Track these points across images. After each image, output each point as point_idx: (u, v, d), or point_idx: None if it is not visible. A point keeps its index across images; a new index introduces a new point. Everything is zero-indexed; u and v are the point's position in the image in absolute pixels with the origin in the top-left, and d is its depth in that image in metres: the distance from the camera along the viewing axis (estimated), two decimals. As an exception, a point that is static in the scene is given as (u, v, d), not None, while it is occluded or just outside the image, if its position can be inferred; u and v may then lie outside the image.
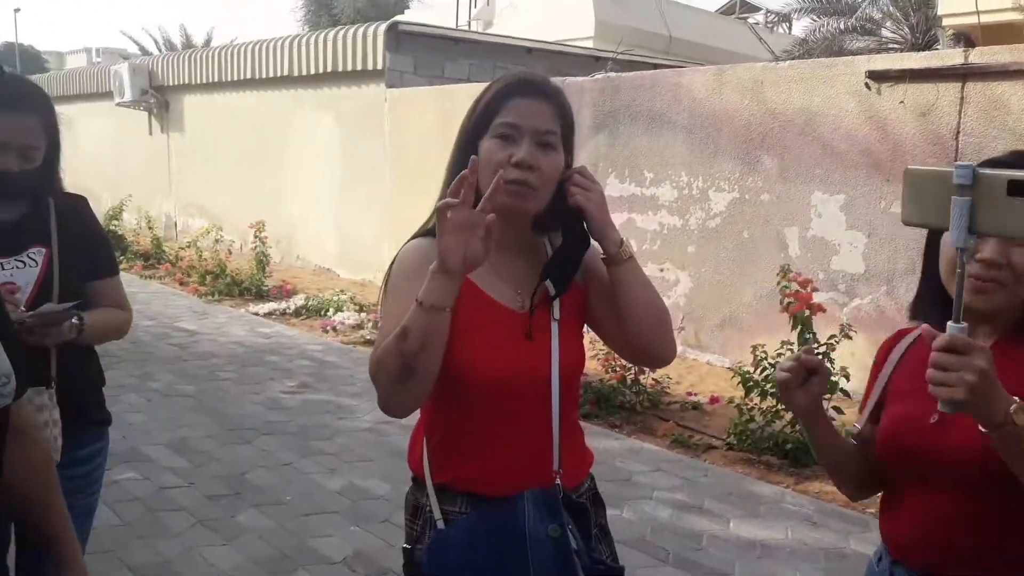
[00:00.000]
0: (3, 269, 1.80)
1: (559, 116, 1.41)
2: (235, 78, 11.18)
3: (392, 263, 1.46)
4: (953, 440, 1.27)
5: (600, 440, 4.55)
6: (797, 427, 4.32)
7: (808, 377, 1.34)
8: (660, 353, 1.49)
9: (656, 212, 6.67)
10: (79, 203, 1.98)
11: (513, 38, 10.92)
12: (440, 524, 1.40)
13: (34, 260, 1.83)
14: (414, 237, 1.48)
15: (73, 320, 1.78)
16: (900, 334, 1.48)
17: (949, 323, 1.07)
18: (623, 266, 1.43)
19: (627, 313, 1.44)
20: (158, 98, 12.73)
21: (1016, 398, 1.11)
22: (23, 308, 1.72)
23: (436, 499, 1.41)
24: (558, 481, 1.40)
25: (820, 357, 1.38)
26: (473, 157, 1.32)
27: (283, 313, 7.84)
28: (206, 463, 4.12)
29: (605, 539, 1.52)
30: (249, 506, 3.64)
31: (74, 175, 2.00)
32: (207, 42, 29.32)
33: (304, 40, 10.08)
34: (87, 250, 1.94)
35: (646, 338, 1.45)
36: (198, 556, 3.19)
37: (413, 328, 1.26)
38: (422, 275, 1.31)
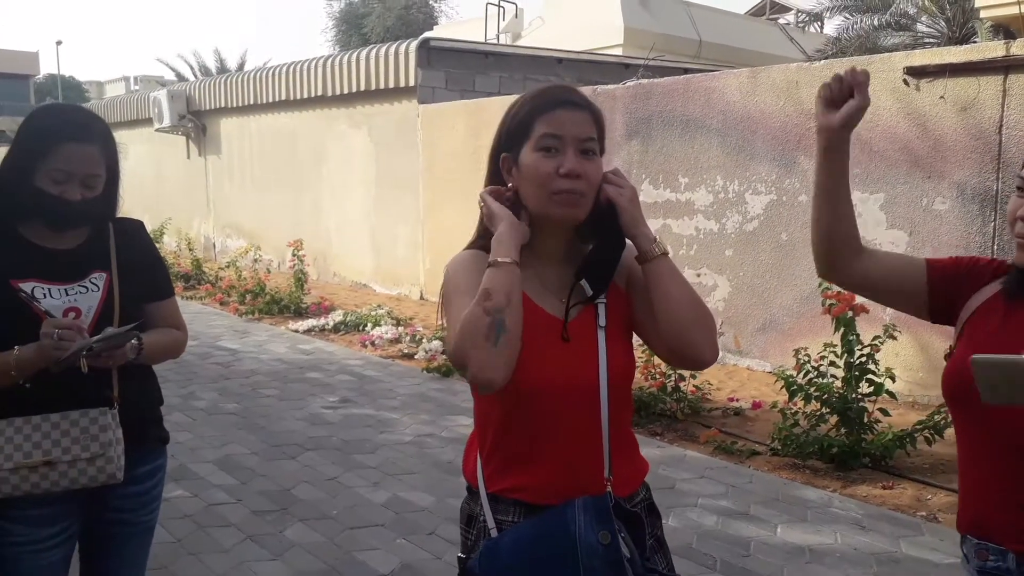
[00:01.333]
0: (67, 295, 1.85)
1: (595, 123, 1.44)
2: (270, 100, 11.39)
3: (445, 276, 1.48)
4: None
5: (642, 448, 4.49)
6: (843, 430, 4.25)
7: (848, 97, 1.39)
8: (698, 354, 1.43)
9: (692, 217, 6.62)
10: (137, 227, 2.03)
11: (542, 49, 10.97)
12: (493, 533, 1.41)
13: (95, 285, 1.89)
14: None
15: (133, 341, 1.83)
16: (999, 265, 1.44)
17: None
18: (656, 262, 1.43)
19: (663, 311, 1.41)
20: (195, 122, 13.02)
21: None
22: (86, 333, 1.77)
23: (489, 508, 1.43)
24: (609, 488, 1.40)
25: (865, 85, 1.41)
26: (511, 185, 1.41)
27: (322, 329, 7.93)
28: (252, 479, 4.18)
29: (661, 550, 1.51)
30: (296, 521, 3.68)
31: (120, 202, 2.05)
32: (241, 65, 29.94)
33: (338, 60, 10.23)
34: (145, 273, 1.99)
35: (684, 338, 1.42)
36: (248, 571, 3.23)
37: (494, 286, 1.33)
38: (479, 271, 1.39)
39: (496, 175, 1.47)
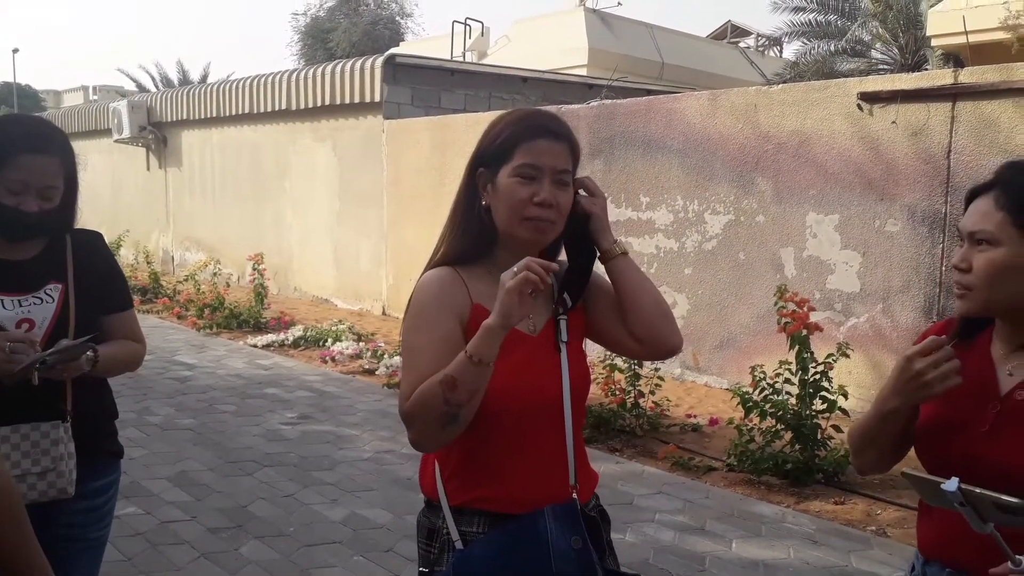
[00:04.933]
0: (20, 306, 1.82)
1: (572, 155, 1.50)
2: (233, 113, 11.30)
3: (413, 295, 1.50)
4: (1004, 452, 1.29)
5: (601, 464, 4.54)
6: (797, 447, 4.32)
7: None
8: (669, 341, 1.55)
9: (652, 236, 6.71)
10: (95, 239, 2.01)
11: (508, 68, 11.06)
12: (459, 545, 1.43)
13: (50, 296, 1.86)
14: (429, 266, 1.52)
15: (89, 353, 1.80)
16: (949, 324, 1.49)
17: (1008, 565, 1.16)
18: (620, 260, 1.54)
19: (632, 305, 1.52)
20: (156, 134, 12.85)
21: None
22: (39, 347, 1.74)
23: (453, 521, 1.44)
24: (575, 495, 1.46)
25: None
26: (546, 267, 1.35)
27: (282, 344, 7.85)
28: (207, 496, 4.11)
29: (611, 554, 1.55)
30: (252, 538, 3.63)
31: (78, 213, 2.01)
32: (204, 78, 29.63)
33: (303, 74, 10.20)
34: (102, 285, 1.96)
35: (656, 328, 1.53)
36: (200, 589, 3.18)
37: (463, 380, 1.33)
38: (449, 307, 1.42)
39: (470, 187, 1.51)
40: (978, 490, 1.16)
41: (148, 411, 5.59)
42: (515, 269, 1.32)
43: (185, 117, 12.24)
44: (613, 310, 1.55)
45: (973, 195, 1.36)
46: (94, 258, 1.97)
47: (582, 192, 1.54)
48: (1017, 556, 1.19)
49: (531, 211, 1.44)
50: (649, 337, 1.54)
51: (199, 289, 9.41)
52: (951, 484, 1.18)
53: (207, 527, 3.73)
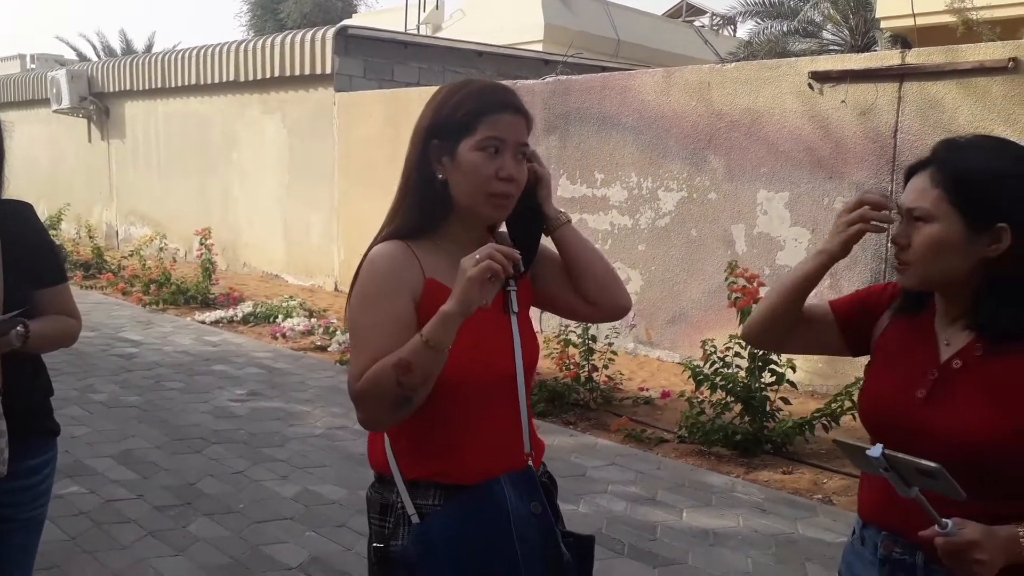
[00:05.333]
0: None
1: (529, 127, 1.49)
2: (179, 84, 10.98)
3: (360, 267, 1.45)
4: (939, 419, 1.32)
5: (555, 437, 4.57)
6: (746, 418, 4.41)
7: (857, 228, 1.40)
8: (621, 301, 1.60)
9: (607, 212, 6.73)
10: (24, 210, 1.91)
11: (463, 42, 10.93)
12: (415, 519, 1.41)
13: None
14: (378, 240, 1.48)
15: (19, 328, 1.73)
16: (889, 286, 1.52)
17: (935, 528, 1.21)
18: (567, 228, 1.56)
19: (582, 269, 1.55)
20: (98, 105, 12.42)
21: (1020, 530, 1.23)
22: None
23: (408, 495, 1.43)
24: (530, 463, 1.47)
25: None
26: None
27: (231, 321, 7.69)
28: (154, 474, 4.02)
29: (559, 517, 1.57)
30: (201, 515, 3.56)
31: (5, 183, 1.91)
32: (149, 48, 28.68)
33: (252, 45, 9.94)
34: (33, 258, 1.87)
35: (607, 289, 1.57)
36: (149, 568, 3.11)
37: (418, 365, 1.31)
38: (401, 284, 1.39)
39: (423, 160, 1.45)
40: (901, 455, 1.19)
41: (91, 389, 5.44)
42: (477, 256, 1.29)
43: (128, 88, 11.84)
44: (561, 277, 1.57)
45: (911, 172, 1.38)
46: (24, 229, 1.88)
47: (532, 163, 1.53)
48: (943, 519, 1.22)
49: (496, 186, 1.41)
50: (602, 299, 1.57)
51: (145, 265, 9.17)
52: (876, 450, 1.21)
53: (154, 505, 3.65)
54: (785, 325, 1.56)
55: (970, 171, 1.30)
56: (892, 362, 1.44)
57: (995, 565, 1.22)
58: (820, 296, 1.60)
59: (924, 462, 1.17)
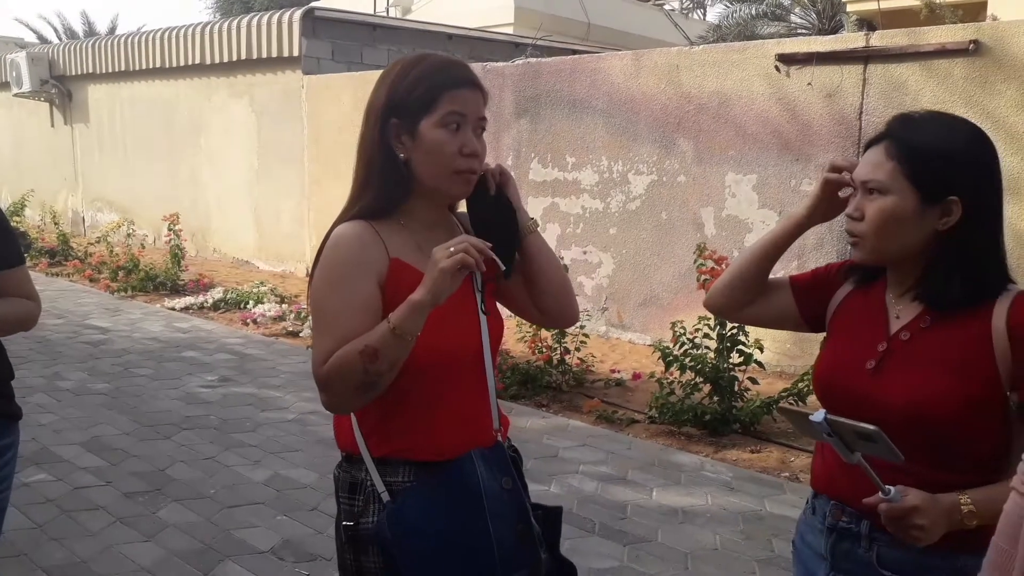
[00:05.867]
0: None
1: (487, 101, 1.48)
2: (144, 67, 10.77)
3: (323, 247, 1.44)
4: (886, 389, 1.35)
5: (528, 419, 4.60)
6: (715, 398, 4.47)
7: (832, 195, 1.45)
8: (570, 316, 1.62)
9: (578, 196, 6.75)
10: None
11: (433, 24, 10.84)
12: (385, 496, 1.42)
13: None
14: (341, 220, 1.47)
15: None
16: (851, 265, 1.55)
17: (879, 495, 1.26)
18: (535, 236, 1.55)
19: (540, 279, 1.55)
20: (60, 88, 12.15)
21: (961, 498, 1.26)
22: None
23: (377, 472, 1.43)
24: (499, 438, 1.49)
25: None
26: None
27: (201, 307, 7.62)
28: (123, 460, 3.99)
29: (526, 490, 1.59)
30: (171, 501, 3.55)
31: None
32: (112, 30, 28.09)
33: (217, 27, 9.78)
34: None
35: (560, 304, 1.58)
36: (117, 554, 3.10)
37: (385, 352, 1.31)
38: (366, 266, 1.38)
39: (383, 139, 1.43)
40: (841, 419, 1.22)
41: (59, 376, 5.37)
42: (451, 248, 1.30)
43: (92, 71, 11.60)
44: (520, 277, 1.56)
45: (868, 147, 1.41)
46: None
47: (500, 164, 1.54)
48: (887, 486, 1.25)
49: (461, 163, 1.41)
50: (552, 310, 1.59)
51: (112, 251, 9.03)
52: (818, 415, 1.24)
53: (122, 492, 3.63)
54: (747, 291, 1.59)
55: (924, 145, 1.32)
56: (845, 335, 1.48)
57: (936, 531, 1.25)
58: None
59: (862, 425, 1.20)
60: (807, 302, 1.57)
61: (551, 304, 1.57)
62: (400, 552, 1.39)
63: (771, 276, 1.60)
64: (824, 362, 1.49)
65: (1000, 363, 1.28)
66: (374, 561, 1.43)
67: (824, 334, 1.57)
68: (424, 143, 1.40)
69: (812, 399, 4.39)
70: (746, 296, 1.60)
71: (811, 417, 1.24)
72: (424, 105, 1.40)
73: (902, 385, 1.34)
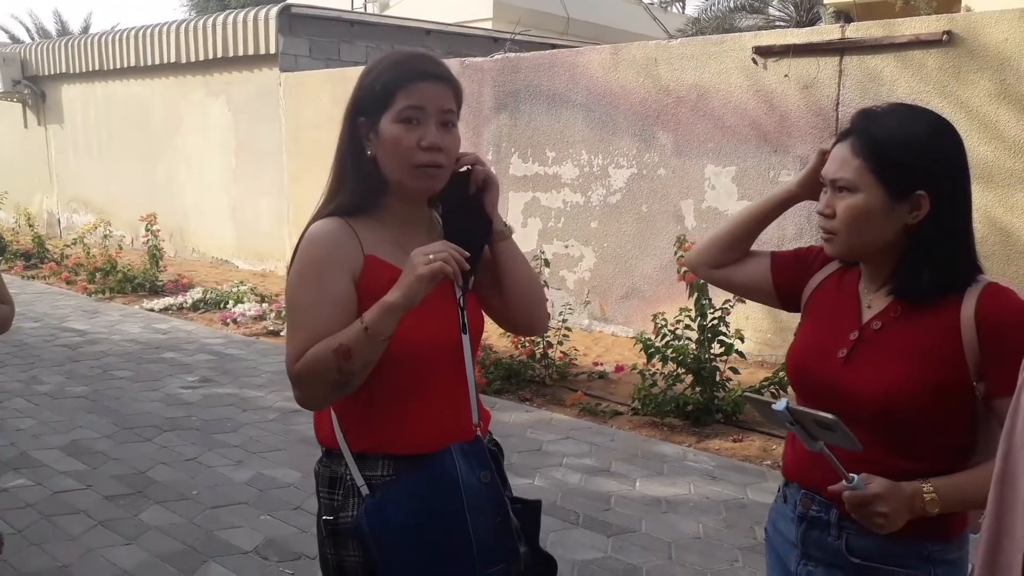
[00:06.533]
0: None
1: (455, 93, 1.44)
2: (119, 66, 10.65)
3: (299, 244, 1.44)
4: (856, 378, 1.36)
5: (512, 413, 4.60)
6: (697, 389, 4.50)
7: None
8: (538, 326, 1.63)
9: (559, 190, 6.75)
10: None
11: (410, 19, 10.80)
12: (364, 490, 1.42)
13: None
14: (317, 218, 1.47)
15: None
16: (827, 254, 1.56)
17: (844, 483, 1.28)
18: (509, 243, 1.52)
19: (510, 287, 1.52)
20: (33, 88, 12.00)
21: (924, 486, 1.27)
22: None
23: (357, 466, 1.43)
24: (478, 433, 1.49)
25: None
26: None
27: (180, 308, 7.56)
28: (103, 464, 3.95)
29: (507, 484, 1.59)
30: (153, 503, 3.52)
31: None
32: (85, 29, 27.74)
33: (193, 25, 9.69)
34: None
35: (530, 313, 1.56)
36: (99, 558, 3.07)
37: (358, 352, 1.31)
38: (340, 263, 1.37)
39: (353, 138, 1.44)
40: (802, 408, 1.23)
41: (36, 380, 5.30)
42: (430, 256, 1.29)
43: (65, 70, 11.46)
44: (492, 281, 1.53)
45: (836, 142, 1.41)
46: None
47: (478, 166, 1.48)
48: (851, 474, 1.27)
49: (420, 157, 1.38)
50: (521, 319, 1.57)
51: (89, 253, 8.93)
52: (780, 404, 1.24)
53: (103, 495, 3.60)
54: (725, 252, 1.61)
55: (887, 139, 1.32)
56: (818, 323, 1.49)
57: (898, 518, 1.27)
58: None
59: (822, 414, 1.21)
60: (784, 278, 1.57)
61: (518, 312, 1.55)
62: (378, 547, 1.38)
63: (755, 253, 1.62)
64: (797, 349, 1.50)
65: (968, 354, 1.29)
66: (354, 555, 1.43)
67: (799, 317, 1.58)
68: (383, 139, 1.40)
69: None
70: (723, 256, 1.62)
71: (773, 406, 1.24)
72: (382, 101, 1.40)
73: (873, 374, 1.34)
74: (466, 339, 1.47)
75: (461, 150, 1.48)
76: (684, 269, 4.55)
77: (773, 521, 1.55)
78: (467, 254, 1.33)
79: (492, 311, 1.58)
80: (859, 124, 1.37)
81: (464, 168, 1.47)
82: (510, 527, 1.46)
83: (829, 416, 1.20)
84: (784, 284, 1.58)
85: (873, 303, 1.42)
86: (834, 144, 1.41)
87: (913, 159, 1.32)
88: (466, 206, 1.47)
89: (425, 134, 1.38)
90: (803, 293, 1.55)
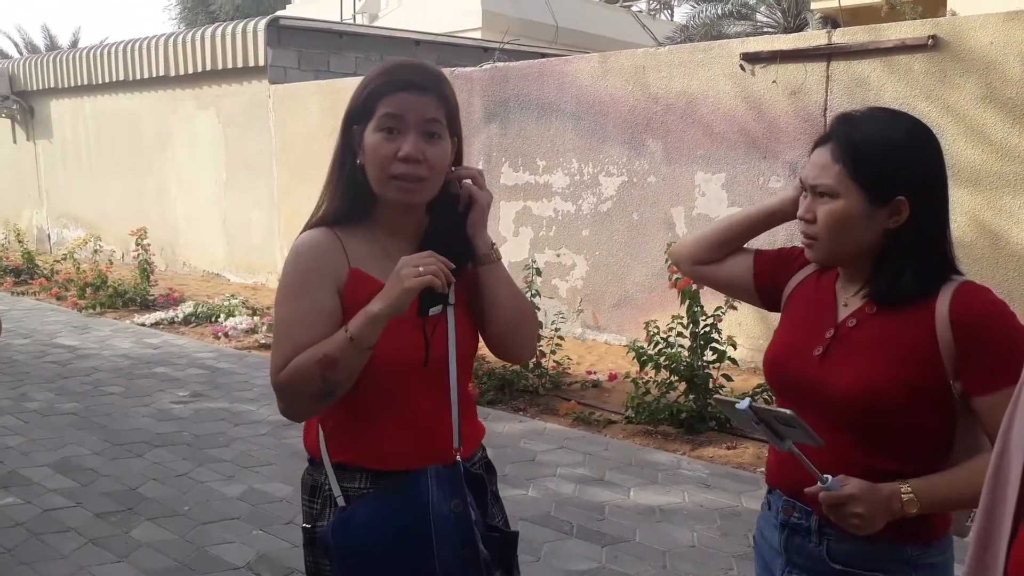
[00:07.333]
0: None
1: (442, 104, 1.40)
2: (107, 80, 10.64)
3: (288, 258, 1.43)
4: (833, 375, 1.36)
5: (505, 423, 4.59)
6: (690, 396, 4.49)
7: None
8: (517, 354, 1.58)
9: (550, 199, 6.76)
10: None
11: (399, 30, 10.82)
12: (340, 501, 1.41)
13: None
14: (308, 226, 1.46)
15: None
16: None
17: (819, 485, 1.28)
18: (494, 267, 1.47)
19: (492, 314, 1.48)
20: (21, 104, 11.98)
21: (902, 487, 1.27)
22: None
23: (335, 477, 1.42)
24: (458, 458, 1.44)
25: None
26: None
27: (171, 322, 7.52)
28: (94, 480, 3.92)
29: (497, 504, 1.56)
30: (144, 520, 3.49)
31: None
32: (74, 43, 27.72)
33: (181, 38, 9.69)
34: None
35: (509, 340, 1.52)
36: (89, 576, 3.04)
37: (343, 361, 1.30)
38: (323, 274, 1.37)
39: (346, 146, 1.44)
40: (764, 407, 1.23)
41: (26, 397, 5.27)
42: (420, 268, 1.28)
43: (54, 85, 11.44)
44: (481, 305, 1.50)
45: (815, 147, 1.40)
46: None
47: (469, 182, 1.45)
48: (825, 475, 1.26)
49: (396, 168, 1.35)
50: (502, 347, 1.53)
51: (79, 268, 8.89)
52: (743, 403, 1.23)
53: (94, 512, 3.56)
54: (712, 251, 1.61)
55: (867, 144, 1.32)
56: (795, 322, 1.49)
57: (875, 520, 1.26)
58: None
59: (781, 410, 1.20)
60: (765, 278, 1.58)
61: (497, 339, 1.50)
62: (341, 561, 1.38)
63: (740, 251, 1.62)
64: (774, 348, 1.50)
65: (944, 352, 1.29)
66: (329, 565, 1.42)
67: (779, 316, 1.58)
68: (365, 148, 1.39)
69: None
70: (709, 254, 1.62)
71: (736, 405, 1.23)
72: (366, 111, 1.40)
73: (848, 372, 1.34)
74: (452, 356, 1.43)
75: (466, 164, 1.46)
76: (676, 276, 4.55)
77: (760, 528, 1.55)
78: (453, 266, 1.32)
79: (482, 334, 1.54)
80: (838, 129, 1.36)
81: (462, 182, 1.44)
82: (478, 560, 1.41)
83: (788, 412, 1.20)
84: (765, 284, 1.58)
85: (850, 302, 1.42)
86: (813, 148, 1.40)
87: (893, 165, 1.32)
88: (452, 224, 1.44)
89: (402, 144, 1.36)
90: (783, 292, 1.55)
